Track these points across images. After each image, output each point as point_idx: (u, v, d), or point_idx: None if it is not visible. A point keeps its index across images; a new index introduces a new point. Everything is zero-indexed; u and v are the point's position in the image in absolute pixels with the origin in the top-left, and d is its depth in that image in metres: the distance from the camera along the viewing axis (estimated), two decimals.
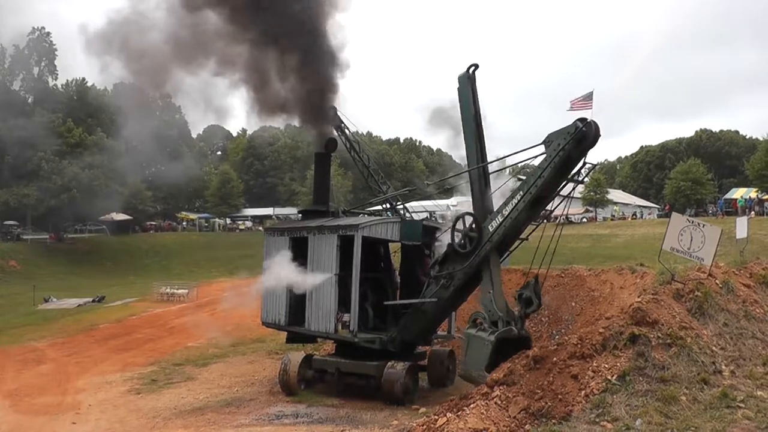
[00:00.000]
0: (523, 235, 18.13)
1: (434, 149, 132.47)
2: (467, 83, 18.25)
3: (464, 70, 18.23)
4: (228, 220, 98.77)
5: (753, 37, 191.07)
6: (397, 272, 22.76)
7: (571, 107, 19.79)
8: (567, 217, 69.65)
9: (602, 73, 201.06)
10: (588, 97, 20.47)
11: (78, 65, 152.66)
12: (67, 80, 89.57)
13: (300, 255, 20.83)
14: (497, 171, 18.24)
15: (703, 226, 14.40)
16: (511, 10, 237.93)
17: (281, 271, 20.57)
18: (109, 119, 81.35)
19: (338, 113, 23.53)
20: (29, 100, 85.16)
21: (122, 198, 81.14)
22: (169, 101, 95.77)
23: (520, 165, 17.68)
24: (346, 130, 24.00)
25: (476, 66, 18.22)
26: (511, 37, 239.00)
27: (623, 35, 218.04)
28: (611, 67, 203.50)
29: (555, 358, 11.50)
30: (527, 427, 10.50)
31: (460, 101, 18.41)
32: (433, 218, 26.71)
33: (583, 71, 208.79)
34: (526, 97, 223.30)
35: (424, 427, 11.07)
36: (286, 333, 22.81)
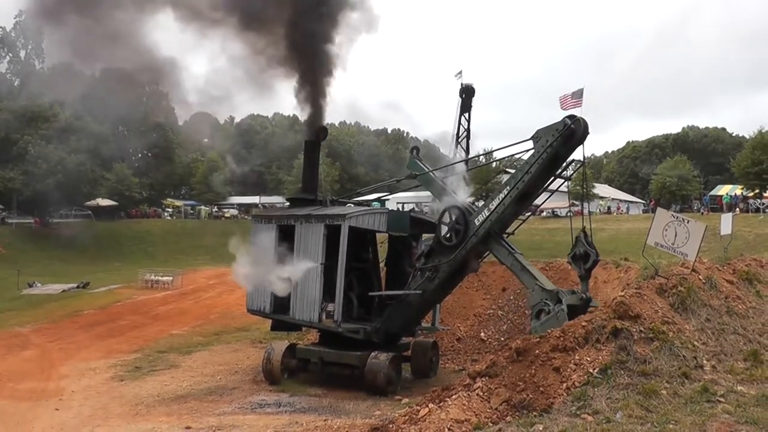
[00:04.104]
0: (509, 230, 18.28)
1: (422, 140, 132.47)
2: (417, 163, 21.17)
3: (410, 154, 21.89)
4: (214, 208, 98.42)
5: (745, 36, 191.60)
6: (382, 263, 22.81)
7: (562, 106, 19.85)
8: (553, 211, 69.68)
9: (590, 68, 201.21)
10: (579, 95, 20.55)
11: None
12: (54, 64, 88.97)
13: (287, 243, 20.85)
14: (485, 165, 18.48)
15: (688, 221, 14.47)
16: (498, 3, 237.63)
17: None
18: (96, 104, 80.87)
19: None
20: (16, 83, 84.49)
21: (108, 183, 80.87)
22: (156, 87, 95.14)
23: (506, 160, 17.92)
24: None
25: (416, 148, 21.98)
26: (496, 28, 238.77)
27: (612, 31, 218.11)
28: (599, 62, 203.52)
29: (537, 351, 11.54)
30: (508, 418, 10.54)
31: (420, 179, 21.20)
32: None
33: (568, 65, 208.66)
34: (511, 90, 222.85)
35: (407, 417, 11.09)
36: (270, 321, 22.82)
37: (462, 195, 19.31)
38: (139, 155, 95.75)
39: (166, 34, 25.17)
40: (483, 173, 45.41)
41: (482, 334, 24.41)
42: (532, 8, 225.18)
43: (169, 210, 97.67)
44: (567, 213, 77.46)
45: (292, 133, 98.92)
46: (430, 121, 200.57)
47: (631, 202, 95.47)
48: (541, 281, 16.60)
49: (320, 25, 22.30)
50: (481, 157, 21.31)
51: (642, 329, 11.62)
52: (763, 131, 71.89)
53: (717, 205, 70.01)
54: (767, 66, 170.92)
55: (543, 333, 13.27)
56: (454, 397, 11.23)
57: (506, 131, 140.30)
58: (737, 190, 74.16)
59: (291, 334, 24.31)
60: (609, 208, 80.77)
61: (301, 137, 25.70)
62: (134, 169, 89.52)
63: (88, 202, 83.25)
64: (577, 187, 78.99)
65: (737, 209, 63.58)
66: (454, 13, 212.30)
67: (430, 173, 20.66)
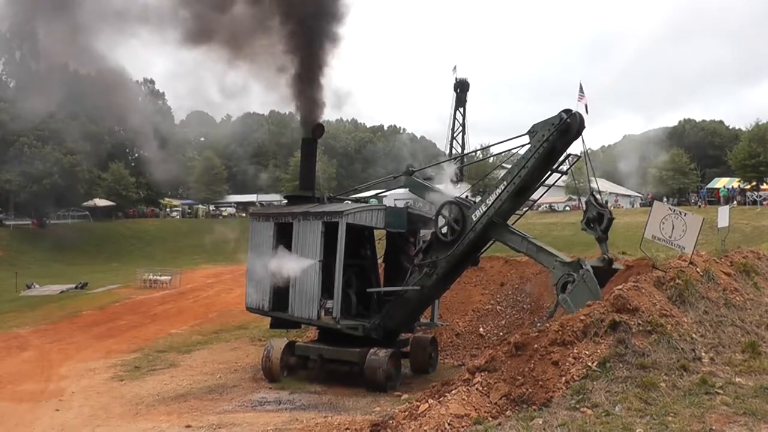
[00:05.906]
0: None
1: (418, 136, 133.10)
2: (412, 180, 20.98)
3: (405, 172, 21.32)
4: (212, 207, 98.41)
5: (740, 30, 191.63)
6: (380, 259, 22.81)
7: (587, 111, 19.96)
8: (550, 206, 69.60)
9: (587, 63, 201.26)
10: (580, 90, 20.77)
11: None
12: (50, 65, 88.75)
13: (285, 240, 20.87)
14: (482, 160, 18.48)
15: (685, 214, 14.47)
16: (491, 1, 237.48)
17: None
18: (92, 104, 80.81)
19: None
20: (11, 85, 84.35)
21: (105, 183, 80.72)
22: (152, 87, 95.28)
23: (503, 155, 17.90)
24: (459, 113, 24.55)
25: (410, 166, 21.61)
26: (491, 27, 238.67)
27: (608, 25, 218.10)
28: (595, 57, 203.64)
29: (536, 345, 11.56)
30: (508, 413, 10.56)
31: (419, 194, 21.27)
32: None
33: (565, 61, 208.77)
34: (504, 86, 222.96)
35: (406, 413, 11.10)
36: (269, 319, 22.81)
37: (455, 193, 19.36)
38: (136, 155, 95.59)
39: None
40: (480, 169, 45.62)
41: (481, 329, 24.41)
42: (527, 3, 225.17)
43: (177, 209, 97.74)
44: (564, 207, 77.87)
45: (288, 130, 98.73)
46: (424, 117, 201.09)
47: (628, 196, 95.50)
48: (559, 257, 16.48)
49: (317, 32, 22.36)
50: (478, 153, 21.33)
51: (640, 322, 11.63)
52: (759, 124, 72.06)
53: (714, 198, 70.15)
54: (763, 59, 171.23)
55: (575, 305, 13.34)
56: (453, 392, 11.25)
57: (503, 127, 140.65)
58: (734, 182, 74.34)
59: (290, 331, 24.31)
60: (606, 202, 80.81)
61: (297, 135, 25.66)
62: (131, 168, 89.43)
63: (85, 203, 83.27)
64: (574, 182, 79.30)
65: (734, 202, 63.74)
66: (447, 7, 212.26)
67: (425, 184, 20.75)
